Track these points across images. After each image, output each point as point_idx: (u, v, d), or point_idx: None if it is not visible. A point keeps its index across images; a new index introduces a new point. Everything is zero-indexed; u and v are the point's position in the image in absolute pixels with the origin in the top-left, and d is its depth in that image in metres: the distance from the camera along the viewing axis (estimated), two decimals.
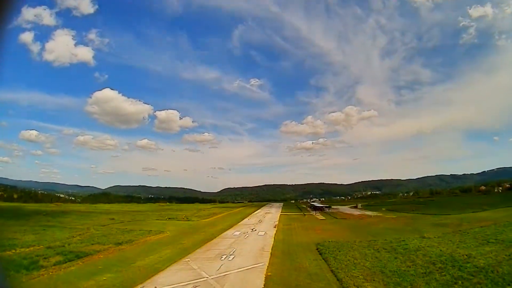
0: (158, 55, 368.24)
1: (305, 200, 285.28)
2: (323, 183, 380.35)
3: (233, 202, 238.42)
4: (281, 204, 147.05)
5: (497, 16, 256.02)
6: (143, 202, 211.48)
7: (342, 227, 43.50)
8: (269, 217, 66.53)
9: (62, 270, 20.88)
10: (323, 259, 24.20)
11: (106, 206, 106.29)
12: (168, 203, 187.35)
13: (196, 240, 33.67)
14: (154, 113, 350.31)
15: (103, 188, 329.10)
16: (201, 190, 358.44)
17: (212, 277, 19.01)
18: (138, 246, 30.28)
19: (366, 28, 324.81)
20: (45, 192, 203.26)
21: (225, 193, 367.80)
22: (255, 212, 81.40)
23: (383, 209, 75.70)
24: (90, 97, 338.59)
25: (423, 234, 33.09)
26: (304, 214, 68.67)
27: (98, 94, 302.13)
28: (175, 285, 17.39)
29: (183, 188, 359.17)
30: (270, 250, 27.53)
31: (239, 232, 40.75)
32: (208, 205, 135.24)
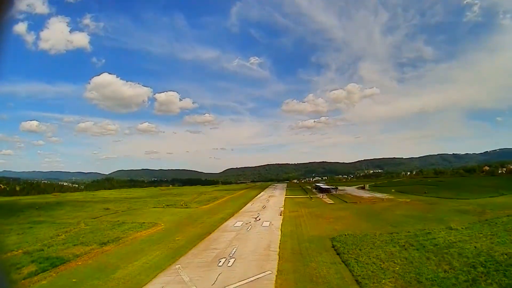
0: (155, 36, 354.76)
1: (307, 179, 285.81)
2: (325, 161, 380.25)
3: (236, 183, 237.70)
4: (285, 185, 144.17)
5: None
6: (146, 186, 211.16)
7: (355, 214, 39.39)
8: (273, 201, 62.79)
9: (31, 285, 17.16)
10: (343, 262, 19.94)
11: (106, 193, 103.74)
12: (171, 186, 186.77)
13: (191, 235, 29.67)
14: (154, 96, 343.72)
15: (107, 173, 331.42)
16: (204, 171, 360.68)
17: None
18: (124, 245, 26.27)
19: (367, 4, 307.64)
20: (48, 182, 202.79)
21: (227, 174, 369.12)
22: (258, 196, 77.83)
23: (392, 190, 71.84)
24: (89, 83, 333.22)
25: (449, 224, 29.31)
26: (311, 197, 64.93)
27: (96, 80, 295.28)
28: None
29: (186, 170, 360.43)
30: (277, 250, 23.33)
31: (241, 222, 36.71)
32: (210, 188, 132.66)
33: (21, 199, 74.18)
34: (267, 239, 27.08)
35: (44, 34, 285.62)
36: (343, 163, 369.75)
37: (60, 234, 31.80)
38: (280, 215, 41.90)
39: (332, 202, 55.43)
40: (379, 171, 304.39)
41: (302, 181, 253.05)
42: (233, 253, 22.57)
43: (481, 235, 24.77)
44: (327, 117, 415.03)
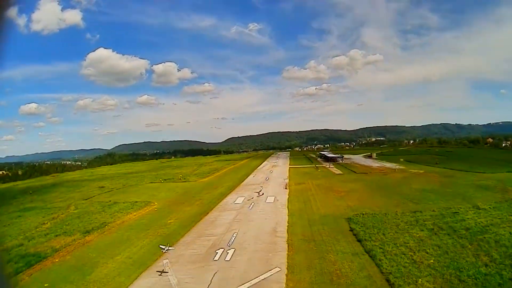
0: (149, 6, 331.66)
1: (309, 146, 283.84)
2: (327, 129, 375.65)
3: (238, 152, 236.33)
4: (288, 153, 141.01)
5: None
6: (148, 158, 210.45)
7: (368, 187, 35.86)
8: (277, 172, 59.56)
9: None
10: (367, 252, 16.46)
11: (104, 170, 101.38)
12: (173, 158, 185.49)
13: (186, 216, 26.37)
14: (151, 68, 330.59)
15: (109, 148, 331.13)
16: (206, 141, 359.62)
17: None
18: (109, 233, 23.06)
19: None
20: (51, 163, 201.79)
21: (229, 143, 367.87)
22: (261, 166, 74.59)
23: (401, 159, 67.89)
24: (85, 60, 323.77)
25: (474, 202, 26.16)
26: (317, 167, 61.51)
27: (92, 56, 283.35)
28: None
29: (188, 140, 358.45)
30: (285, 235, 19.87)
31: (242, 198, 33.36)
32: (210, 159, 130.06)
33: (18, 185, 71.93)
34: (272, 220, 23.68)
35: (35, 15, 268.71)
36: (345, 130, 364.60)
37: (46, 222, 29.41)
38: (286, 188, 38.54)
39: (340, 172, 51.97)
40: (382, 139, 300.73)
41: (304, 149, 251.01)
42: (232, 241, 19.16)
43: None
44: (329, 84, 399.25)
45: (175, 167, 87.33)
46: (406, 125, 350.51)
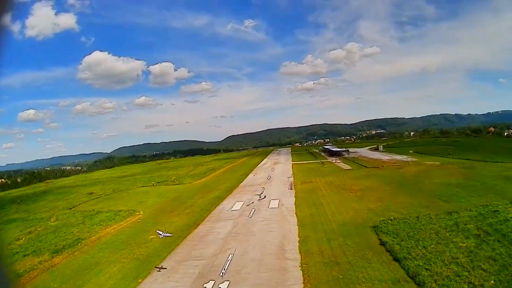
0: (143, 7, 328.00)
1: (309, 142, 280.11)
2: (326, 123, 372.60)
3: (237, 150, 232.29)
4: (289, 149, 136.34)
5: None
6: (148, 160, 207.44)
7: (385, 183, 31.49)
8: (279, 169, 55.17)
9: None
10: (411, 278, 12.13)
11: (99, 174, 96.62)
12: (172, 159, 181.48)
13: (172, 229, 21.72)
14: (148, 68, 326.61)
15: (109, 151, 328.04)
16: (206, 141, 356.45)
17: None
18: (80, 253, 18.81)
19: None
20: (50, 169, 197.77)
21: (229, 141, 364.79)
22: (261, 164, 70.10)
23: (410, 151, 63.44)
24: (81, 64, 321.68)
25: (510, 196, 21.89)
26: (322, 162, 57.10)
27: (88, 59, 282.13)
28: None
29: (188, 140, 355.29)
30: (297, 256, 15.38)
31: (241, 203, 28.97)
32: (208, 158, 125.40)
33: (10, 193, 67.64)
34: (278, 233, 19.29)
35: (29, 21, 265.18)
36: (345, 124, 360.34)
37: (21, 237, 25.62)
38: (291, 188, 34.20)
39: (349, 167, 47.56)
40: (382, 131, 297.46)
41: (305, 144, 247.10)
42: (226, 267, 14.68)
43: None
44: (327, 78, 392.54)
45: (171, 168, 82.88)
46: (406, 117, 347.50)
